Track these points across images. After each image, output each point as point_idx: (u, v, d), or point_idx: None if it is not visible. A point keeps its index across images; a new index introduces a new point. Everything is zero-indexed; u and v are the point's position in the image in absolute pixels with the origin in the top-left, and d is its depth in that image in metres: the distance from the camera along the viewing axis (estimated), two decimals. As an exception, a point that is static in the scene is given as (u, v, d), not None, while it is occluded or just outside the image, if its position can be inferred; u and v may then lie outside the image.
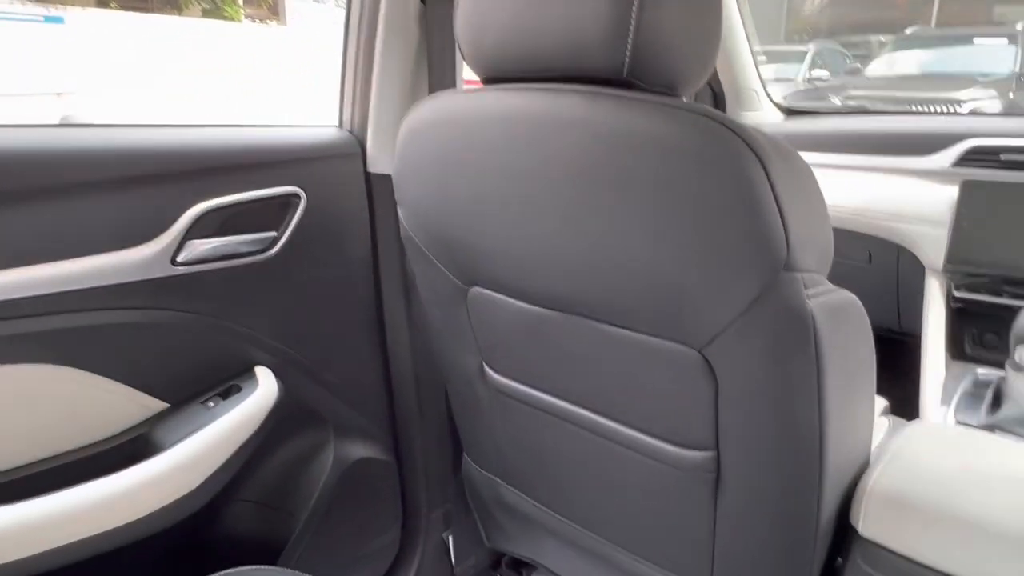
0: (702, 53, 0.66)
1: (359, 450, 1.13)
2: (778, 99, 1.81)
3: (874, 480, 0.75)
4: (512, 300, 0.80)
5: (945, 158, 1.38)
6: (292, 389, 0.99)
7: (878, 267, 1.49)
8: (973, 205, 1.31)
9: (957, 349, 1.40)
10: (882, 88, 6.32)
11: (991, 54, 6.59)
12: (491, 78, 0.73)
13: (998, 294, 1.31)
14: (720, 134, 0.57)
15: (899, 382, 1.40)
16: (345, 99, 1.05)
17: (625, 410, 0.78)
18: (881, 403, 1.18)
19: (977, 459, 0.80)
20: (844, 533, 0.76)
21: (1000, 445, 0.86)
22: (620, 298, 0.68)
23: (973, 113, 1.51)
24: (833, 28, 11.19)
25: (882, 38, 8.24)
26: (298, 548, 1.05)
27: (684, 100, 0.66)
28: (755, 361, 0.64)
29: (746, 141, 0.57)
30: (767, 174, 0.56)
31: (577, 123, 0.63)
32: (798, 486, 0.70)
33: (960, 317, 1.40)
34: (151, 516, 0.84)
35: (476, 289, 0.84)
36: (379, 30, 1.00)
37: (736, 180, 0.57)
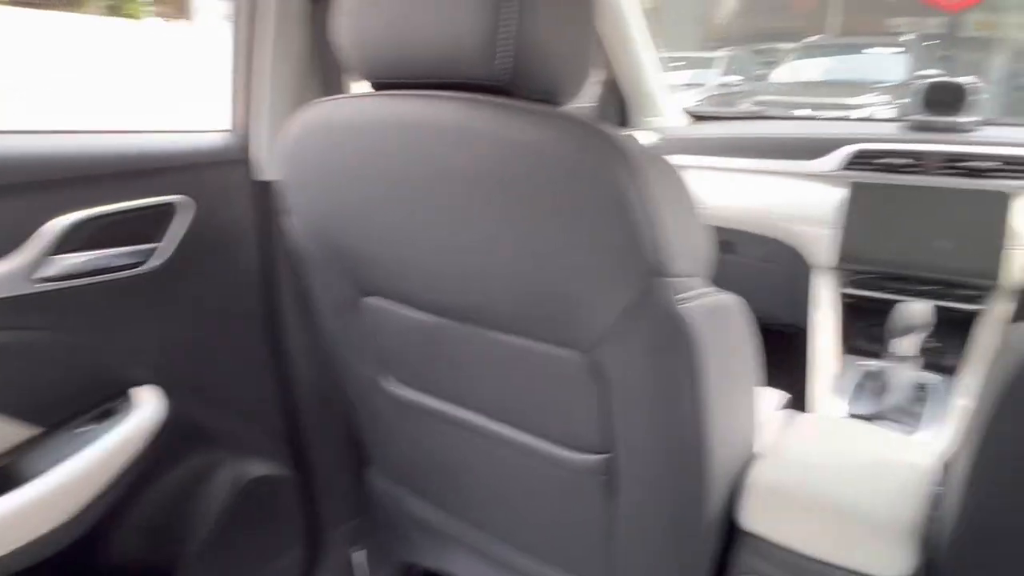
0: (579, 62, 0.67)
1: (257, 467, 1.08)
2: (692, 103, 1.86)
3: (756, 474, 0.78)
4: (407, 309, 0.79)
5: (833, 161, 1.45)
6: (181, 408, 0.95)
7: (777, 266, 1.55)
8: (860, 206, 1.38)
9: (847, 343, 1.47)
10: (788, 93, 6.64)
11: (885, 62, 7.02)
12: (376, 83, 0.72)
13: (882, 290, 1.39)
14: (592, 142, 0.58)
15: (802, 376, 1.46)
16: (234, 103, 1.01)
17: (522, 416, 0.78)
18: (780, 397, 1.22)
19: (852, 448, 0.84)
20: (731, 528, 0.78)
21: (875, 434, 0.91)
22: (509, 305, 0.69)
23: (860, 119, 1.59)
24: (745, 36, 11.65)
25: (789, 46, 8.64)
26: (191, 572, 1.00)
27: (563, 108, 0.67)
28: (636, 364, 0.65)
29: (617, 149, 0.58)
30: (637, 182, 0.57)
31: (457, 131, 0.63)
32: (685, 484, 0.71)
33: (851, 312, 1.47)
34: (26, 547, 0.78)
35: (371, 298, 0.83)
36: (264, 30, 0.97)
37: (607, 188, 0.57)
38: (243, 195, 1.01)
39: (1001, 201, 1.28)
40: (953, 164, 1.34)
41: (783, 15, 12.15)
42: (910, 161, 1.36)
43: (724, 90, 7.57)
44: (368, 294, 0.82)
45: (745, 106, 6.51)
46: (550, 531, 0.87)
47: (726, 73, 7.95)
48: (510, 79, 0.62)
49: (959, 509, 0.62)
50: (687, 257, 0.63)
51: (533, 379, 0.74)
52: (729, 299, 0.69)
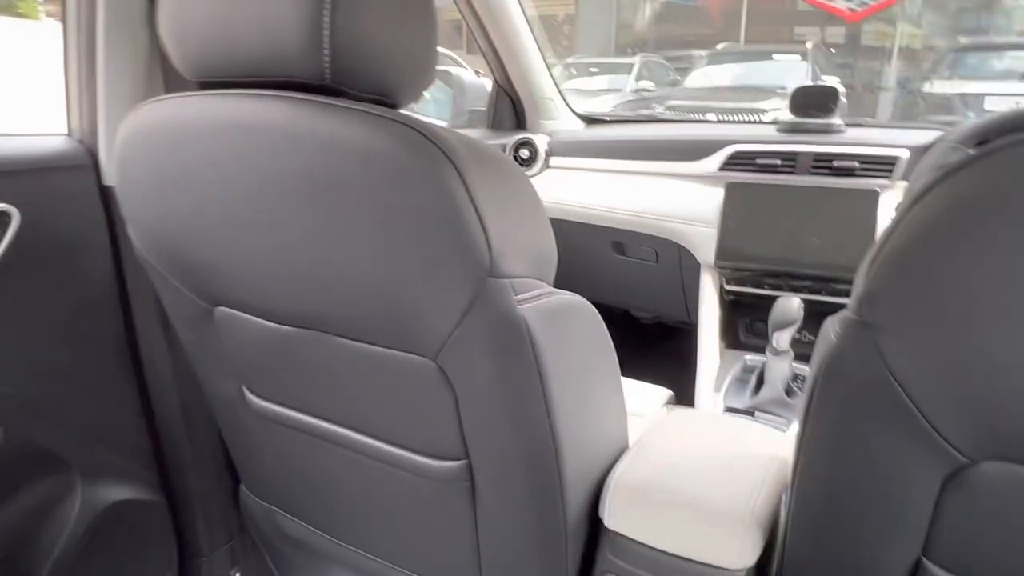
0: (415, 60, 0.65)
1: (116, 492, 1.02)
2: (609, 108, 1.89)
3: (619, 473, 0.78)
4: (256, 319, 0.76)
5: (712, 163, 1.49)
6: (21, 432, 0.88)
7: (664, 265, 1.59)
8: (736, 205, 1.43)
9: (732, 338, 1.52)
10: (699, 98, 6.86)
11: (788, 69, 7.36)
12: (203, 82, 0.68)
13: (761, 286, 1.44)
14: (416, 141, 0.56)
15: (693, 371, 1.50)
16: (71, 106, 0.95)
17: (380, 426, 0.76)
18: (664, 393, 1.24)
19: (714, 443, 0.86)
20: (596, 527, 0.78)
21: (740, 427, 0.93)
22: (353, 312, 0.66)
23: (741, 122, 1.65)
24: (658, 42, 12.00)
25: (701, 53, 8.95)
26: None
27: (401, 108, 0.65)
28: (480, 368, 0.64)
29: (442, 148, 0.56)
30: (465, 182, 0.56)
31: (280, 131, 0.60)
32: (543, 486, 0.71)
33: (734, 308, 1.52)
34: None
35: (221, 309, 0.79)
36: (99, 29, 0.91)
37: (434, 189, 0.56)
38: (88, 202, 0.94)
39: (869, 199, 1.35)
40: (823, 164, 1.39)
41: (695, 23, 12.57)
42: (783, 161, 1.42)
43: (639, 95, 7.76)
44: (217, 304, 0.78)
45: (661, 109, 6.70)
46: (422, 542, 0.85)
47: (640, 79, 8.15)
48: (336, 77, 0.60)
49: (791, 499, 0.64)
50: (524, 258, 0.63)
51: (388, 387, 0.72)
52: (574, 299, 0.69)
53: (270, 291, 0.70)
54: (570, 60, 9.33)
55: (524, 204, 0.64)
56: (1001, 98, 6.24)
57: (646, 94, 7.77)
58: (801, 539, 0.64)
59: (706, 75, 7.73)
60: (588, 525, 0.78)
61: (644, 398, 1.20)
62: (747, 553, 0.69)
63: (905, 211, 0.46)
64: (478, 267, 0.58)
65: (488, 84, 1.79)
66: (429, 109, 2.08)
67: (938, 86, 6.90)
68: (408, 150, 0.56)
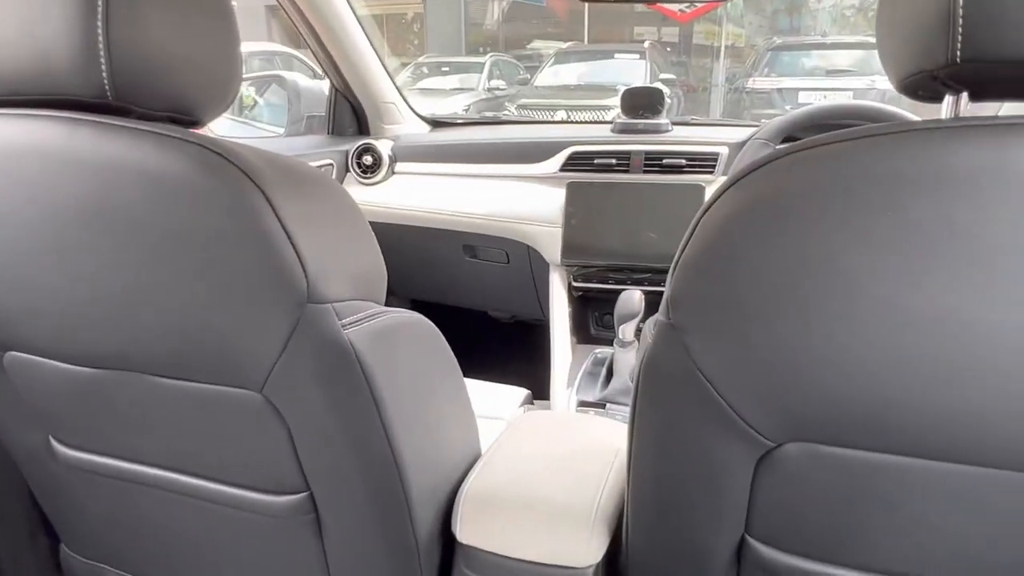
0: (213, 72, 0.61)
1: None
2: (461, 107, 1.87)
3: (468, 485, 0.78)
4: (55, 363, 0.68)
5: (553, 164, 1.54)
6: None
7: (516, 265, 1.61)
8: (577, 205, 1.48)
9: (583, 333, 1.57)
10: (548, 97, 7.07)
11: (629, 67, 7.77)
12: None
13: (606, 281, 1.50)
14: (213, 162, 0.52)
15: (546, 371, 1.53)
16: None
17: (210, 465, 0.71)
18: (521, 393, 1.26)
19: (562, 443, 0.88)
20: (451, 543, 0.77)
21: (588, 423, 0.96)
22: (165, 349, 0.61)
23: (581, 122, 1.72)
24: (508, 42, 12.24)
25: (549, 52, 9.22)
26: None
27: (204, 126, 0.61)
28: (310, 396, 0.61)
29: (243, 168, 0.53)
30: (271, 203, 0.53)
31: (56, 155, 0.54)
32: (389, 509, 0.69)
33: (583, 304, 1.57)
34: None
35: (12, 354, 0.70)
36: None
37: (237, 212, 0.52)
38: None
39: (696, 193, 1.44)
40: (654, 162, 1.47)
41: (543, 23, 12.94)
42: (618, 161, 1.48)
43: (492, 94, 7.87)
44: (6, 349, 0.69)
45: (513, 108, 6.82)
46: None
47: (492, 78, 8.26)
48: (119, 95, 0.54)
49: (627, 491, 0.66)
50: (347, 280, 0.60)
51: (213, 425, 0.67)
52: (407, 316, 0.67)
53: (67, 332, 0.63)
54: (421, 60, 9.29)
55: (343, 223, 0.62)
56: (811, 92, 6.97)
57: (498, 93, 7.90)
58: (639, 529, 0.67)
59: (555, 74, 7.99)
60: (442, 541, 0.77)
61: (501, 400, 1.21)
62: (594, 550, 0.71)
63: (699, 218, 0.49)
64: (295, 294, 0.55)
65: (327, 87, 1.73)
66: (264, 115, 1.98)
67: (759, 82, 7.56)
68: (204, 172, 0.52)
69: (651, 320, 0.57)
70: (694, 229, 0.49)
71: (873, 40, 0.56)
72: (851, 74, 7.06)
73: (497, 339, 2.02)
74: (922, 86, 0.50)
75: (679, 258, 0.50)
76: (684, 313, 0.51)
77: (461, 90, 7.86)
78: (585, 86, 7.40)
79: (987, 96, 0.49)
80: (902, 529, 0.53)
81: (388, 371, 0.62)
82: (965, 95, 0.49)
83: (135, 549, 0.85)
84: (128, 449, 0.73)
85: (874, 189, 0.42)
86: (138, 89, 0.55)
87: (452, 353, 0.76)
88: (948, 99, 0.50)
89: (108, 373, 0.66)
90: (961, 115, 0.50)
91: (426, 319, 0.71)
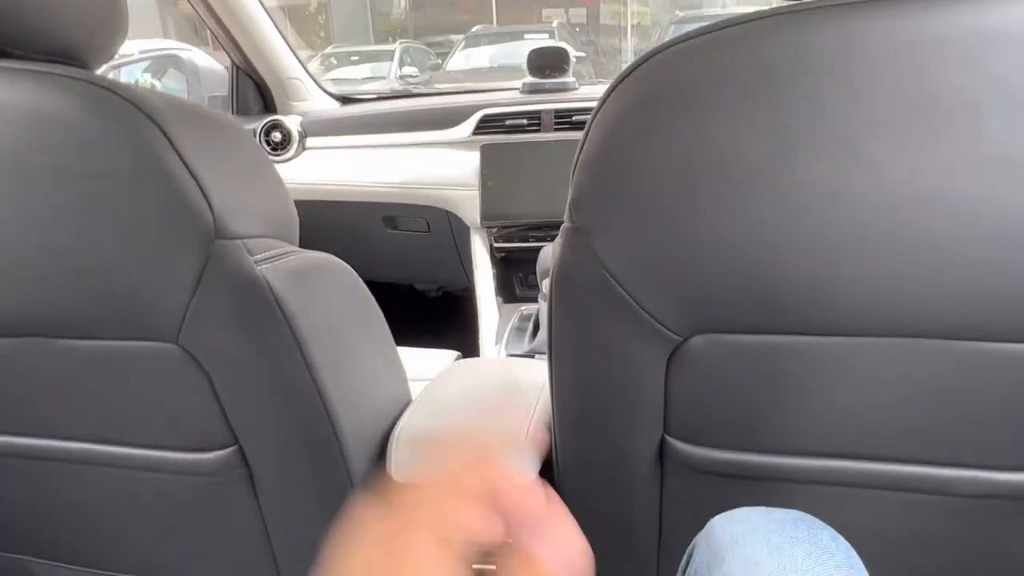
0: (94, 16, 0.59)
1: None
2: (332, 88, 1.84)
3: (401, 425, 0.78)
4: None
5: (466, 128, 1.55)
6: None
7: (437, 233, 1.62)
8: (492, 166, 1.49)
9: (509, 294, 1.59)
10: (460, 81, 7.04)
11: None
12: None
13: (527, 240, 1.52)
14: (104, 99, 0.51)
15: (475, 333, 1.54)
16: None
17: (132, 431, 0.69)
18: (451, 355, 1.27)
19: (492, 382, 0.89)
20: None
21: (516, 364, 0.98)
22: (70, 305, 0.59)
23: (490, 89, 1.73)
24: (417, 29, 12.10)
25: (459, 37, 9.16)
26: None
27: (82, 69, 0.59)
28: (229, 341, 0.60)
29: (138, 105, 0.52)
30: (170, 139, 0.52)
31: None
32: (322, 454, 0.69)
33: (507, 265, 1.59)
34: None
35: None
36: None
37: (134, 151, 0.51)
38: None
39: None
40: (564, 119, 1.50)
41: (451, 8, 12.85)
42: (529, 121, 1.51)
43: (405, 82, 7.77)
44: None
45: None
46: (209, 546, 0.79)
47: (403, 65, 8.16)
48: None
49: (553, 407, 0.69)
50: (256, 218, 0.60)
51: (129, 385, 0.65)
52: (324, 257, 0.67)
53: None
54: (328, 50, 9.07)
55: (249, 162, 0.61)
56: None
57: (411, 80, 7.81)
58: (566, 441, 0.69)
59: (467, 57, 7.96)
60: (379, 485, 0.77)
61: (431, 363, 1.22)
62: (524, 471, 0.73)
63: (591, 119, 0.51)
64: (201, 230, 0.54)
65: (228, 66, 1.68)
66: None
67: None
68: (94, 109, 0.51)
69: (561, 228, 0.59)
70: (587, 131, 0.51)
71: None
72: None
73: (426, 312, 2.02)
74: None
75: (576, 161, 0.53)
76: (586, 214, 0.53)
77: (373, 79, 7.73)
78: (498, 68, 7.41)
79: None
80: (810, 409, 0.57)
81: (308, 311, 0.62)
82: None
83: (60, 534, 0.82)
84: (39, 424, 0.70)
85: (749, 74, 0.45)
86: (15, 29, 0.53)
87: (372, 297, 0.76)
88: None
89: (9, 341, 0.63)
90: None
91: (343, 262, 0.71)
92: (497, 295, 1.54)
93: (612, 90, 0.50)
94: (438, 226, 1.60)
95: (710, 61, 0.47)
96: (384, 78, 7.83)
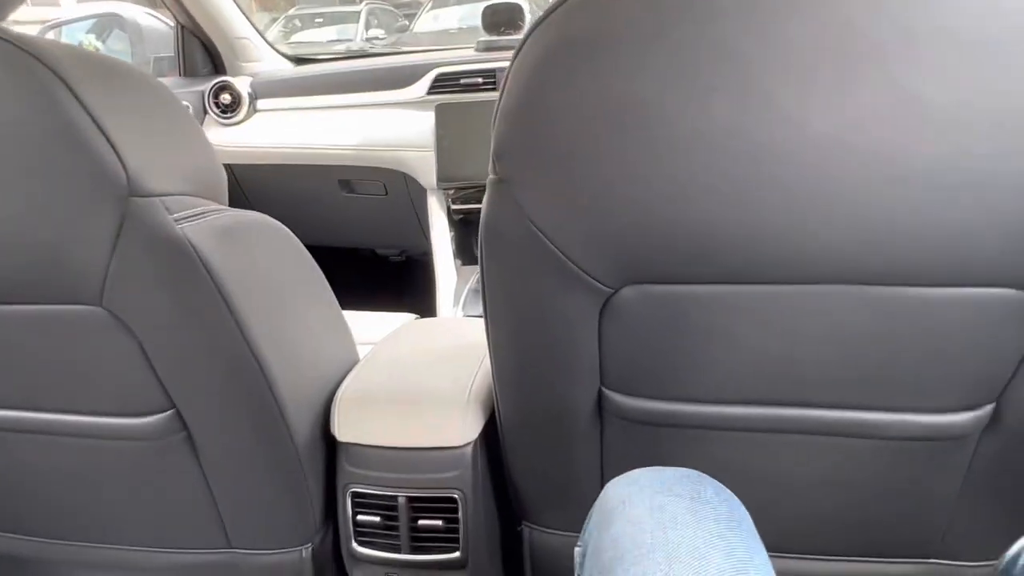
0: None
1: None
2: (284, 48, 1.79)
3: (344, 385, 0.78)
4: None
5: (420, 87, 1.51)
6: None
7: (394, 196, 1.59)
8: (447, 125, 1.47)
9: (468, 256, 1.59)
10: (428, 43, 6.88)
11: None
12: None
13: (482, 201, 1.50)
14: (5, 53, 0.49)
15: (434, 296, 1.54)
16: None
17: (65, 397, 0.68)
18: (408, 318, 1.26)
19: (438, 342, 0.89)
20: (333, 445, 0.78)
21: (463, 324, 0.98)
22: None
23: (446, 48, 1.69)
24: (384, -11, 11.77)
25: (426, -2, 8.93)
26: None
27: None
28: (154, 303, 0.59)
29: (40, 58, 0.49)
30: (74, 92, 0.50)
31: None
32: (262, 417, 0.68)
33: (465, 226, 1.58)
34: None
35: None
36: None
37: (37, 106, 0.49)
38: None
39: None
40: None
41: (418, -32, 12.50)
42: (484, 79, 1.48)
43: (371, 45, 7.58)
44: None
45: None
46: (155, 512, 0.78)
47: (369, 27, 7.95)
48: None
49: (493, 365, 0.69)
50: (175, 174, 0.58)
51: (58, 350, 0.63)
52: (254, 216, 0.66)
53: None
54: (292, 12, 8.80)
55: (166, 116, 0.59)
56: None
57: (377, 42, 7.63)
58: (506, 398, 0.69)
59: (435, 18, 7.76)
60: (324, 445, 0.77)
61: (387, 325, 1.21)
62: (469, 428, 0.73)
63: (509, 67, 0.50)
64: (114, 187, 0.52)
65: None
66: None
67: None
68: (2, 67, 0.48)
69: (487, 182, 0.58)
70: (504, 80, 0.50)
71: None
72: None
73: (387, 276, 2.00)
74: None
75: (496, 111, 0.52)
76: (509, 165, 0.52)
77: (338, 41, 7.52)
78: (467, 29, 7.24)
79: None
80: (738, 358, 0.58)
81: (237, 271, 0.61)
82: None
83: (20, 506, 0.81)
84: None
85: (661, 19, 0.45)
86: None
87: (311, 257, 0.75)
88: None
89: None
90: None
91: (277, 221, 0.70)
92: (456, 257, 1.53)
93: (528, 36, 0.49)
94: (395, 189, 1.58)
95: (623, 4, 0.46)
96: (350, 40, 7.63)
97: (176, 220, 0.56)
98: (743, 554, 0.39)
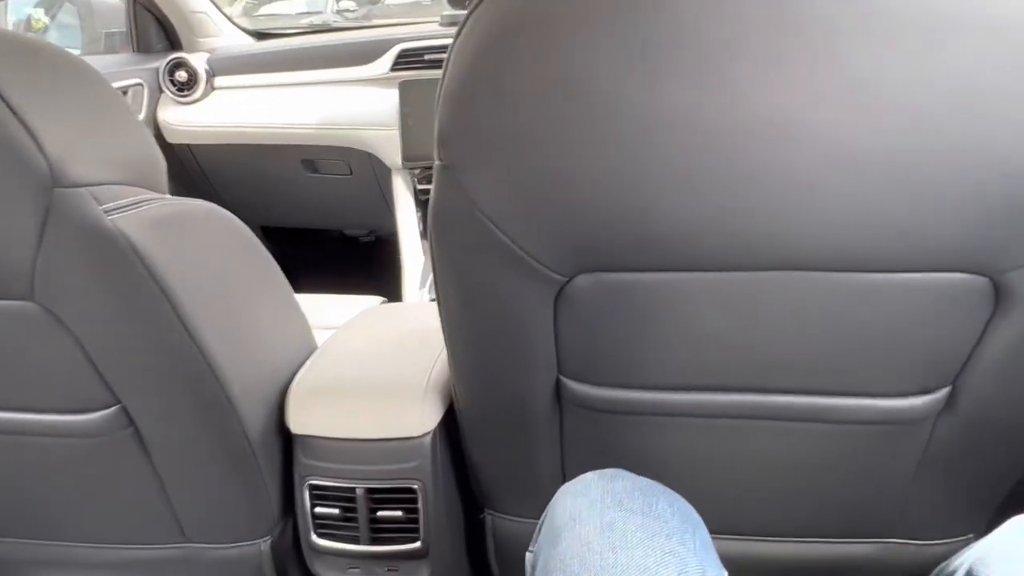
0: None
1: None
2: (244, 22, 1.73)
3: (299, 377, 0.76)
4: None
5: (383, 64, 1.47)
6: None
7: (359, 175, 1.56)
8: (412, 103, 1.43)
9: (435, 236, 1.56)
10: (401, 15, 6.74)
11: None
12: None
13: (451, 181, 1.48)
14: None
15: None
16: None
17: (5, 395, 0.66)
18: (375, 301, 1.24)
19: (397, 329, 0.87)
20: (289, 437, 0.76)
21: (424, 309, 0.96)
22: None
23: (410, 23, 1.64)
24: (354, -40, 11.49)
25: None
26: None
27: None
28: (89, 298, 0.57)
29: None
30: None
31: None
32: (211, 411, 0.66)
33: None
34: None
35: None
36: None
37: None
38: None
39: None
40: (485, 53, 1.44)
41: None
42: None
43: (342, 17, 7.41)
44: None
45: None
46: (111, 511, 0.76)
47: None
48: None
49: (449, 355, 0.67)
50: (105, 162, 0.55)
51: None
52: (195, 205, 0.63)
53: None
54: (260, -17, 8.57)
55: (93, 102, 0.56)
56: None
57: (349, 15, 7.46)
58: (463, 388, 0.68)
59: (407, -11, 7.62)
60: (280, 438, 0.76)
61: (353, 309, 1.19)
62: (427, 419, 0.72)
63: (450, 49, 0.48)
64: (35, 177, 0.50)
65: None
66: (53, 37, 1.76)
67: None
68: None
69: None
70: (448, 60, 0.48)
71: None
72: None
73: (356, 258, 1.97)
74: None
75: (438, 94, 0.49)
76: (453, 151, 0.50)
77: (308, 14, 7.34)
78: (440, 1, 7.12)
79: None
80: (692, 345, 0.57)
81: (177, 263, 0.58)
82: None
83: None
84: None
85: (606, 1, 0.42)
86: None
87: (261, 244, 0.73)
88: None
89: None
90: None
91: (221, 208, 0.67)
92: (423, 238, 1.50)
93: (471, 14, 0.46)
94: (360, 168, 1.55)
95: None
96: (320, 12, 7.45)
97: (106, 211, 0.54)
98: (695, 571, 0.39)
